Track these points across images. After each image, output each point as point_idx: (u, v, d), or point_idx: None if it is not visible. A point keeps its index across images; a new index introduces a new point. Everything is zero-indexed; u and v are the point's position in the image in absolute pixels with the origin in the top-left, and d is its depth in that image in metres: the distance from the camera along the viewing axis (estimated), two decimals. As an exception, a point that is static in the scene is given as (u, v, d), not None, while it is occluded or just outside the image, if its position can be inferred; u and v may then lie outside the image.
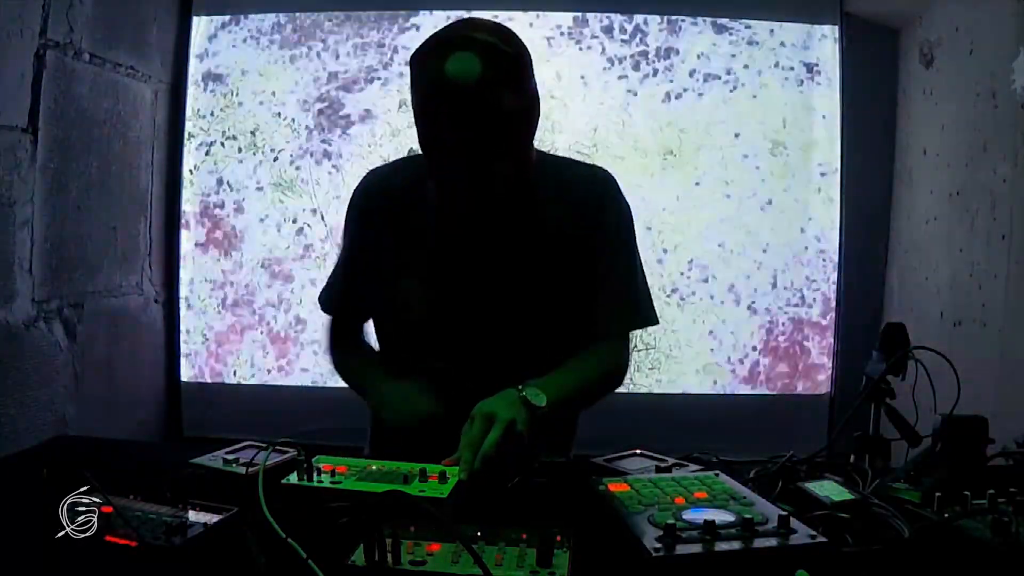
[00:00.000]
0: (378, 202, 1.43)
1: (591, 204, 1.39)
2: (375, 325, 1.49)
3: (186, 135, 2.90)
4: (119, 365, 2.61)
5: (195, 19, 2.88)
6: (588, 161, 1.50)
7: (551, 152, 1.47)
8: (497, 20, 1.31)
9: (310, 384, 2.91)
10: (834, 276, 2.90)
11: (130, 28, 2.59)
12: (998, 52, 2.26)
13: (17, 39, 2.03)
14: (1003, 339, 2.18)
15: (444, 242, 1.38)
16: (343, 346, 1.52)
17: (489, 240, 1.36)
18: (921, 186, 2.75)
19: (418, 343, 1.41)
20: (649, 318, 1.43)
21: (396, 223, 1.40)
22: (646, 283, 1.45)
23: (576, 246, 1.37)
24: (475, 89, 1.16)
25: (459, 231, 1.37)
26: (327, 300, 1.52)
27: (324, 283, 1.55)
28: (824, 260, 2.90)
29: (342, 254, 1.50)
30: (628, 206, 1.45)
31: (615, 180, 1.44)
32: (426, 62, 1.20)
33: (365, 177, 1.50)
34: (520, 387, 1.21)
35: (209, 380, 2.96)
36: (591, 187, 1.41)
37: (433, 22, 2.76)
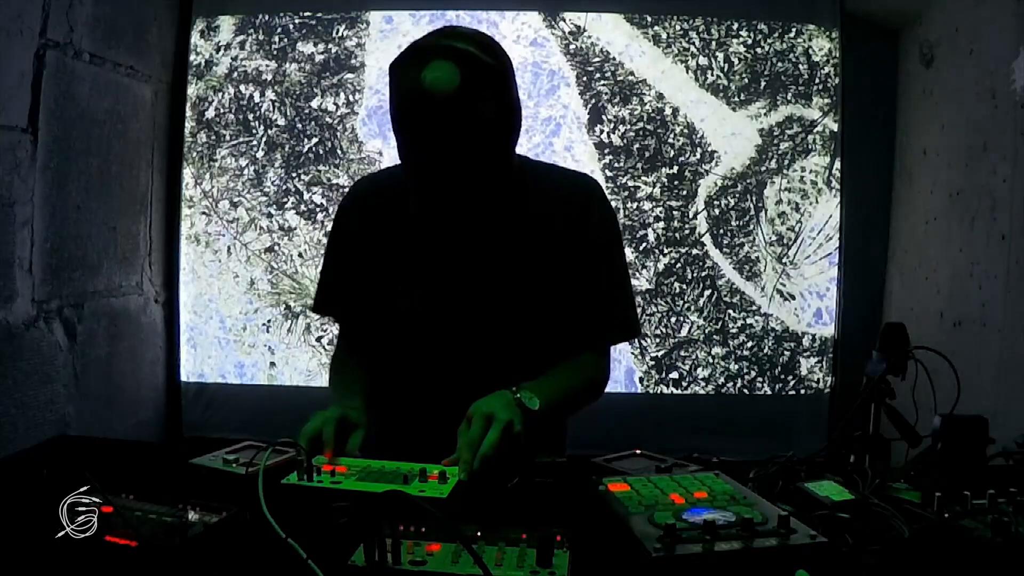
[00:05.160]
0: (366, 207, 1.43)
1: (576, 210, 1.38)
2: (367, 324, 1.49)
3: (186, 135, 2.90)
4: (119, 365, 2.61)
5: (195, 19, 2.88)
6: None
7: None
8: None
9: (310, 384, 2.91)
10: (834, 276, 2.90)
11: (130, 28, 2.59)
12: (998, 52, 2.26)
13: (17, 39, 2.03)
14: (1003, 339, 2.18)
15: (429, 246, 1.38)
16: (339, 356, 1.52)
17: (474, 245, 1.36)
18: (921, 186, 2.75)
19: (405, 344, 1.42)
20: (633, 330, 1.44)
21: (383, 227, 1.40)
22: (631, 292, 1.45)
23: (560, 251, 1.37)
24: (452, 98, 1.14)
25: (444, 236, 1.37)
26: (316, 302, 1.52)
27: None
28: (824, 260, 2.90)
29: (329, 257, 1.50)
30: (614, 213, 1.45)
31: (600, 187, 1.45)
32: (404, 71, 1.19)
33: (355, 183, 1.52)
34: (514, 388, 1.21)
35: (209, 380, 2.96)
36: (576, 193, 1.41)
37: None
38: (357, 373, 1.44)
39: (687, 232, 2.89)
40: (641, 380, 2.87)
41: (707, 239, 2.90)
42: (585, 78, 2.86)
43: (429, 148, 1.20)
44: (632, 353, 2.86)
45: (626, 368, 2.85)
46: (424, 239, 1.38)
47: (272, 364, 2.94)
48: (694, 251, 2.90)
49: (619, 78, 2.86)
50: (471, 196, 1.28)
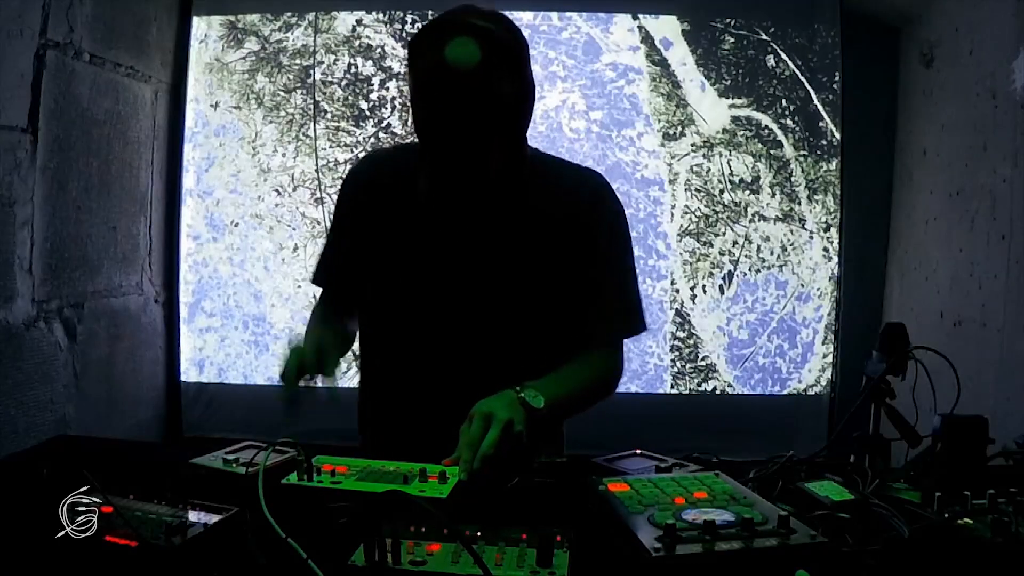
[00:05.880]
0: (367, 185, 1.43)
1: (584, 206, 1.38)
2: (362, 310, 1.49)
3: (186, 135, 2.90)
4: (119, 365, 2.61)
5: (195, 19, 2.89)
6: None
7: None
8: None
9: (311, 384, 2.90)
10: (834, 276, 2.90)
11: (130, 28, 2.59)
12: (998, 52, 2.26)
13: (17, 39, 2.03)
14: (1003, 339, 2.18)
15: (432, 231, 1.37)
16: (315, 314, 1.52)
17: (479, 231, 1.36)
18: (921, 186, 2.75)
19: (406, 336, 1.41)
20: (640, 326, 1.44)
21: (383, 207, 1.40)
22: (639, 289, 1.45)
23: (567, 245, 1.36)
24: (473, 73, 1.17)
25: (449, 220, 1.36)
26: (315, 273, 1.53)
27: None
28: (824, 260, 2.91)
29: (332, 230, 1.51)
30: (622, 210, 1.45)
31: (609, 184, 1.44)
32: (424, 47, 1.21)
33: (360, 160, 1.53)
34: (518, 388, 1.21)
35: (209, 380, 2.96)
36: (585, 189, 1.41)
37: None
38: (331, 315, 1.46)
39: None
40: (642, 380, 2.88)
41: (708, 239, 2.90)
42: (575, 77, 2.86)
43: (449, 122, 1.22)
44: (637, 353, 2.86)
45: (625, 368, 2.84)
46: (430, 223, 1.37)
47: (274, 364, 2.94)
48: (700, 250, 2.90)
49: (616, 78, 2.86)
50: (485, 174, 1.28)
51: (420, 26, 2.83)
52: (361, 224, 1.42)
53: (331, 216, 1.54)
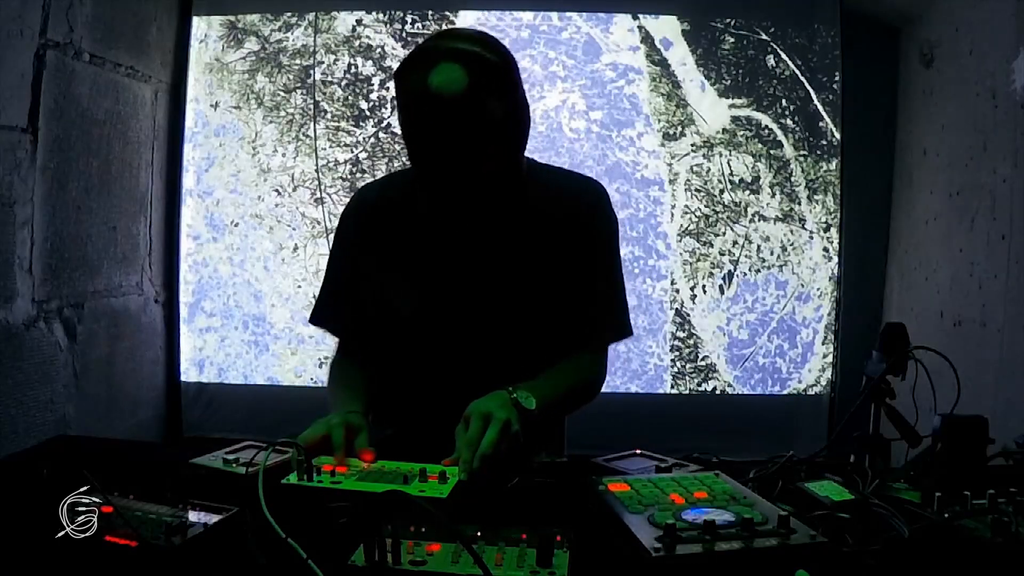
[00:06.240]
0: (371, 214, 1.43)
1: (582, 214, 1.39)
2: (368, 331, 1.48)
3: (186, 135, 2.90)
4: (119, 365, 2.61)
5: (195, 19, 2.89)
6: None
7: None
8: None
9: (310, 384, 2.91)
10: (834, 276, 2.90)
11: (130, 28, 2.59)
12: (998, 52, 2.26)
13: (17, 39, 2.03)
14: (1003, 339, 2.18)
15: (435, 249, 1.38)
16: (336, 363, 1.50)
17: (481, 246, 1.37)
18: (921, 186, 2.75)
19: (407, 345, 1.42)
20: (627, 330, 1.45)
21: (388, 233, 1.40)
22: (625, 294, 1.46)
23: (565, 254, 1.37)
24: (461, 100, 1.14)
25: (454, 236, 1.37)
26: (314, 313, 1.50)
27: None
28: (824, 260, 2.91)
29: (331, 267, 1.49)
30: (616, 218, 1.46)
31: (607, 192, 1.45)
32: (410, 76, 1.18)
33: (358, 192, 1.51)
34: (510, 389, 1.22)
35: (209, 380, 2.96)
36: (583, 198, 1.41)
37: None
38: (356, 379, 1.42)
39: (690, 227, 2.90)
40: (642, 380, 2.88)
41: (708, 239, 2.90)
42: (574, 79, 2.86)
43: (441, 151, 1.19)
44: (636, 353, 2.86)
45: (625, 368, 2.85)
46: (433, 240, 1.38)
47: (275, 365, 2.94)
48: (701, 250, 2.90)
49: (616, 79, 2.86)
50: (484, 196, 1.28)
51: (420, 27, 2.86)
52: (364, 255, 1.42)
53: (329, 251, 1.50)
